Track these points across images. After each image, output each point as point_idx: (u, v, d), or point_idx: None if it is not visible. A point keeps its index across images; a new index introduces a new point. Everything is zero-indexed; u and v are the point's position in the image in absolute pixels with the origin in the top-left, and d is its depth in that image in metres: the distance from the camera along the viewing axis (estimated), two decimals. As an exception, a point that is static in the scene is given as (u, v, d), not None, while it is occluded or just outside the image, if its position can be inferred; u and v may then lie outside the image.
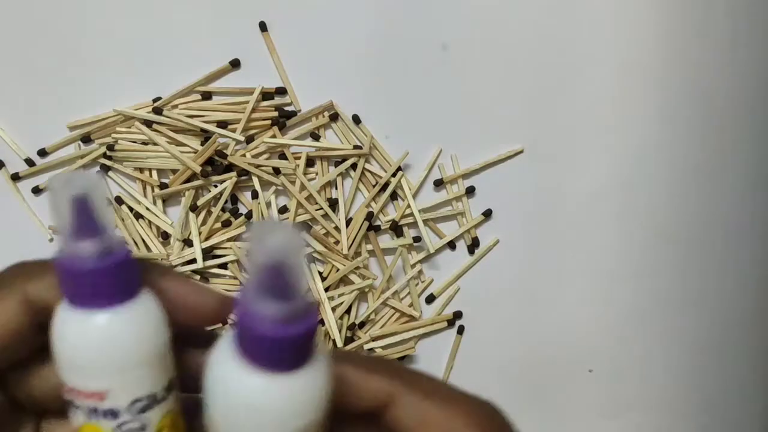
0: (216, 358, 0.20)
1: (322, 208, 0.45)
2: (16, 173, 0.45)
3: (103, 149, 0.44)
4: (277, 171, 0.44)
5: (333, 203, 0.45)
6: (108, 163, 0.45)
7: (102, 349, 0.20)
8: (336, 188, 0.45)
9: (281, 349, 0.19)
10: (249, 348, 0.19)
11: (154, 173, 0.45)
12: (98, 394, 0.20)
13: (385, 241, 0.46)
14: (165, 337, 0.21)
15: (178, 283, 0.22)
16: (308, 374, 0.20)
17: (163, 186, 0.45)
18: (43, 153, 0.45)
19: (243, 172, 0.44)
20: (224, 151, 0.44)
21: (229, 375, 0.19)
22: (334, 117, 0.45)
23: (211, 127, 0.44)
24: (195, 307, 0.22)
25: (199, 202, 0.45)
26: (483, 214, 0.46)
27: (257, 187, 0.44)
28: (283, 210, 0.45)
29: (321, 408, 0.20)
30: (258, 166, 0.44)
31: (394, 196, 0.46)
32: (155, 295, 0.21)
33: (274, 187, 0.45)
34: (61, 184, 0.19)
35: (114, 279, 0.20)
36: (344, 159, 0.45)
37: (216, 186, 0.45)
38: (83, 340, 0.20)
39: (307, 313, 0.19)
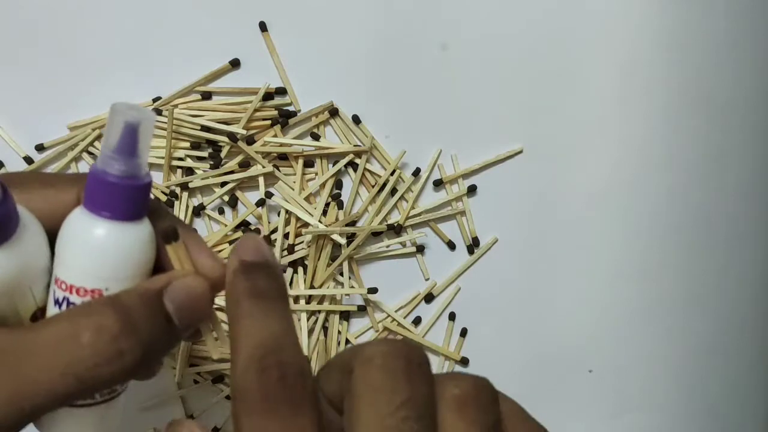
0: (70, 215, 0.25)
1: (322, 208, 0.45)
2: (17, 174, 0.45)
3: (95, 134, 0.44)
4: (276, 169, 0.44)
5: (333, 203, 0.45)
6: (96, 152, 0.45)
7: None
8: (336, 188, 0.45)
9: (118, 196, 0.24)
10: (92, 199, 0.25)
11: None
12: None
13: (385, 242, 0.46)
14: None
15: (197, 244, 0.26)
16: (136, 229, 0.25)
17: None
18: (40, 148, 0.45)
19: (244, 164, 0.44)
20: (221, 152, 0.44)
21: (75, 223, 0.25)
22: (334, 112, 0.45)
23: (213, 124, 0.44)
24: (206, 272, 0.26)
25: (206, 202, 0.45)
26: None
27: (260, 184, 0.45)
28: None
29: (143, 259, 0.25)
30: (264, 155, 0.44)
31: (393, 194, 0.46)
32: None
33: (273, 187, 0.45)
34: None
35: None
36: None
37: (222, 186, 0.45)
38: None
39: (142, 175, 0.25)
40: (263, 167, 0.44)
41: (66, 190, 0.26)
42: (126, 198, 0.24)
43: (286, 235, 0.45)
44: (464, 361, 0.46)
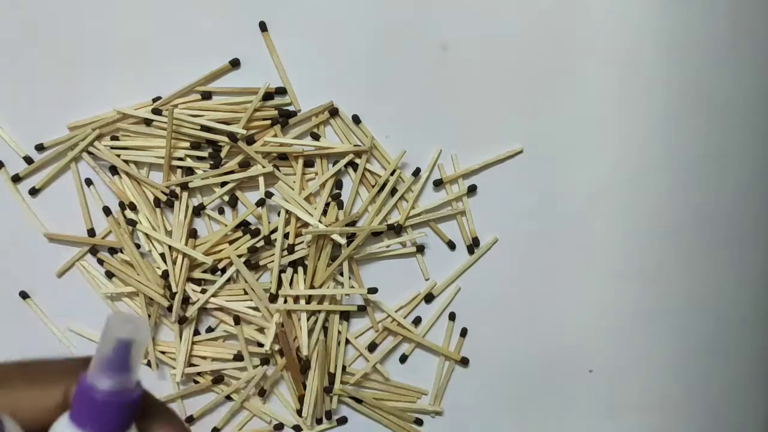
0: (55, 425, 0.24)
1: (322, 208, 0.45)
2: (17, 174, 0.45)
3: (95, 134, 0.44)
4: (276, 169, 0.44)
5: (333, 203, 0.45)
6: (96, 151, 0.45)
7: None
8: (336, 188, 0.45)
9: (106, 414, 0.24)
10: (79, 413, 0.24)
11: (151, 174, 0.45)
12: None
13: (385, 242, 0.46)
14: None
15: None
16: None
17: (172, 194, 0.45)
18: (40, 148, 0.45)
19: (244, 164, 0.44)
20: (221, 151, 0.44)
21: None
22: (334, 112, 0.45)
23: (213, 124, 0.44)
24: None
25: (206, 202, 0.45)
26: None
27: (260, 184, 0.45)
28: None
29: None
30: (264, 155, 0.44)
31: (393, 194, 0.46)
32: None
33: (273, 188, 0.45)
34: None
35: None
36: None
37: (221, 186, 0.45)
38: None
39: (132, 388, 0.24)
40: (263, 167, 0.44)
41: (52, 389, 0.25)
42: (113, 415, 0.24)
43: (286, 235, 0.45)
44: (464, 361, 0.46)
